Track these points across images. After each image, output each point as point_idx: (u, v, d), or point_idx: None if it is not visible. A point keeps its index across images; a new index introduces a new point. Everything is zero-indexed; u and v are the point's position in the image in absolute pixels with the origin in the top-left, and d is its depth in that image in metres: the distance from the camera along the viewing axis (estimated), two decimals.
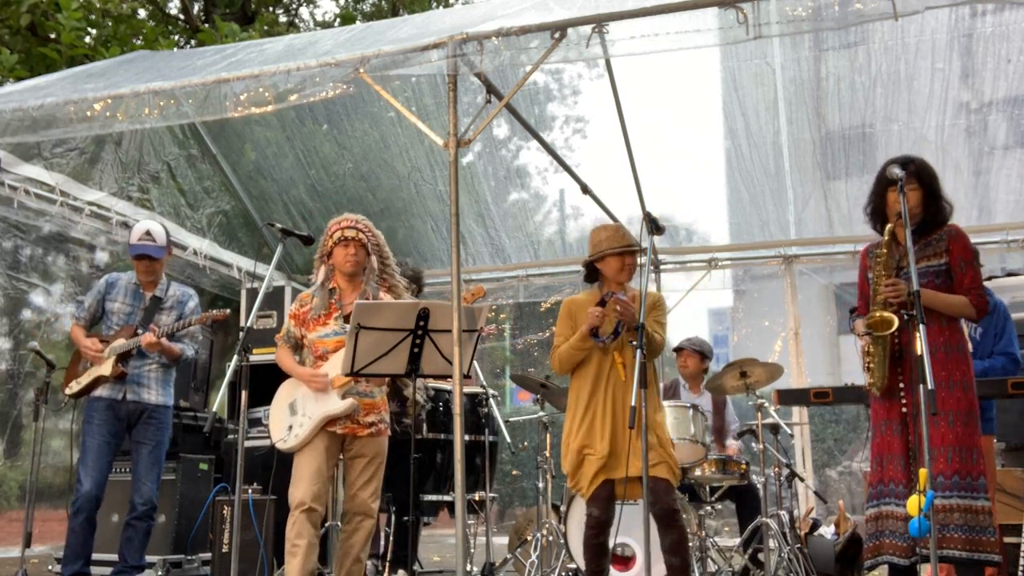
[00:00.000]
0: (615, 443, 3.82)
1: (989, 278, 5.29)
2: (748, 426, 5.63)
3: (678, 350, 6.19)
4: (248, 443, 4.99)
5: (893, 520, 3.57)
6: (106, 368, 4.81)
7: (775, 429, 5.42)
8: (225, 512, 5.06)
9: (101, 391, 4.85)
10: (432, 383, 5.22)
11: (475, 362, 4.35)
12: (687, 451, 4.97)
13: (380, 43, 4.43)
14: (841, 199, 7.30)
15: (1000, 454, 4.70)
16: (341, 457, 4.27)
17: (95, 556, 4.82)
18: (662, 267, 7.92)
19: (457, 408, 3.78)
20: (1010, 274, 5.86)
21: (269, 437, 4.31)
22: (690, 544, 4.24)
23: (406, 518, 5.06)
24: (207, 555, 5.68)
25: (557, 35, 3.95)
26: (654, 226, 3.75)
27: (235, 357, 4.19)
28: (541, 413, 5.42)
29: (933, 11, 5.57)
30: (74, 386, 4.88)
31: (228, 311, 5.23)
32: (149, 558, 5.12)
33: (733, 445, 5.92)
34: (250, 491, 5.03)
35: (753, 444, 5.46)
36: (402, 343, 3.89)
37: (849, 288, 7.58)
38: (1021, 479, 4.15)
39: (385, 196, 7.96)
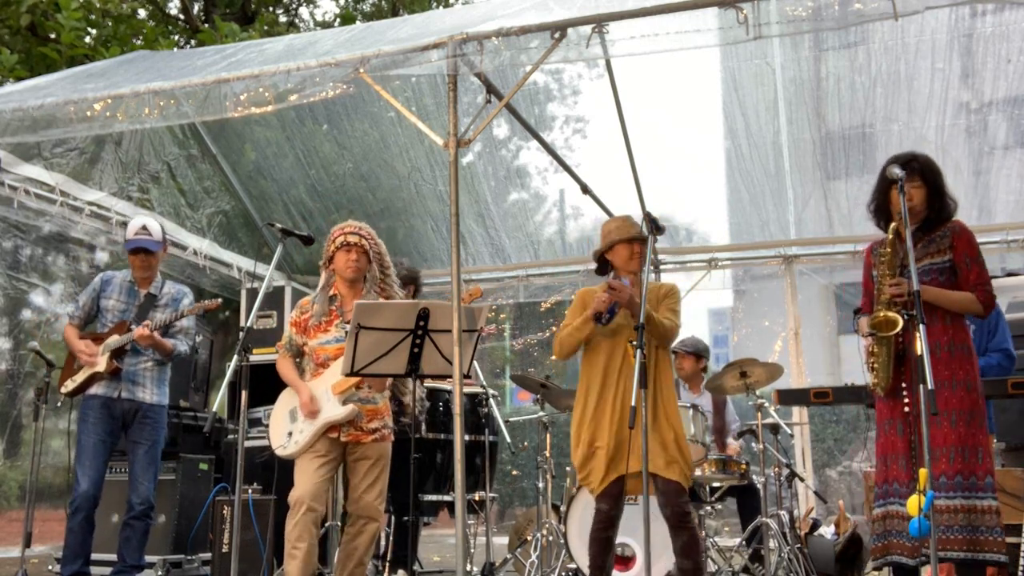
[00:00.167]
0: (623, 435, 3.81)
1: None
2: (748, 426, 5.63)
3: (672, 353, 6.17)
4: (248, 443, 4.98)
5: (899, 520, 3.55)
6: (101, 364, 4.79)
7: (775, 429, 5.42)
8: (225, 512, 5.07)
9: (96, 389, 4.83)
10: (429, 384, 5.22)
11: (475, 362, 4.34)
12: None
13: (380, 43, 4.43)
14: (841, 199, 7.30)
15: (1000, 454, 4.68)
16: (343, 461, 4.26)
17: (94, 556, 4.81)
18: (662, 267, 7.91)
19: (457, 408, 3.78)
20: (1010, 274, 5.84)
21: (269, 437, 4.31)
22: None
23: (406, 518, 5.06)
24: (207, 555, 5.68)
25: (557, 35, 3.95)
26: (654, 226, 3.74)
27: (235, 357, 4.19)
28: (541, 413, 5.42)
29: (933, 11, 5.57)
30: (69, 384, 4.86)
31: (220, 300, 5.24)
32: (149, 558, 5.12)
33: (733, 445, 5.92)
34: (250, 491, 5.03)
35: (753, 444, 5.46)
36: (402, 343, 3.89)
37: (849, 288, 7.59)
38: (1021, 479, 4.14)
39: (385, 196, 7.96)
